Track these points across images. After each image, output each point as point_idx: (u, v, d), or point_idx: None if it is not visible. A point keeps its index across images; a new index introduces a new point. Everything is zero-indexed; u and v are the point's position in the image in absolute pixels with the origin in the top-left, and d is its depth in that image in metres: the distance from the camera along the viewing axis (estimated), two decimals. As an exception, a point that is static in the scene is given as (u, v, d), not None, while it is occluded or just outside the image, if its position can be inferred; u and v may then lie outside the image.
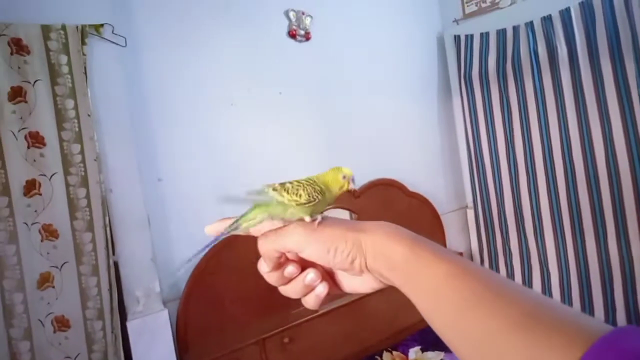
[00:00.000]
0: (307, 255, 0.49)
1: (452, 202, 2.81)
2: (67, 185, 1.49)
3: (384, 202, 2.41)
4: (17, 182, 1.41)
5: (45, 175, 1.46)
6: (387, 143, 2.51)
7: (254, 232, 0.54)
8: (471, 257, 2.82)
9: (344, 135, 2.35)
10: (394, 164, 2.52)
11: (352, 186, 0.56)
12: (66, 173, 1.49)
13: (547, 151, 2.33)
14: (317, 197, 0.53)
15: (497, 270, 2.63)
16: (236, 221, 0.53)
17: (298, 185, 0.53)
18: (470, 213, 2.78)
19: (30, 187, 1.44)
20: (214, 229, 0.54)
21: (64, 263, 1.48)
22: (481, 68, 2.50)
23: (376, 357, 2.13)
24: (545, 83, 2.29)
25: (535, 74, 2.30)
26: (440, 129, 2.78)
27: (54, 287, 1.47)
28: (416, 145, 2.66)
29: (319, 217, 0.52)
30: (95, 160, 1.53)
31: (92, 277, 1.51)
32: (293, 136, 2.17)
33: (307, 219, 0.51)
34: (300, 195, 0.52)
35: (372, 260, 0.47)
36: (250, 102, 2.03)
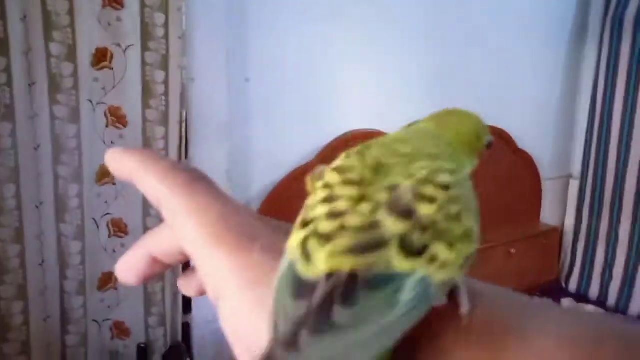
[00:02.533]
0: None
1: (554, 168, 2.41)
2: (144, 63, 1.20)
3: (488, 155, 2.00)
4: (86, 48, 1.13)
5: (119, 45, 1.16)
6: (499, 85, 2.11)
7: None
8: (562, 235, 2.46)
9: (454, 67, 1.96)
10: (503, 112, 2.12)
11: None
12: (144, 47, 1.19)
13: None
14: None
15: (594, 255, 2.28)
16: None
17: (447, 192, 0.18)
18: (575, 184, 2.38)
19: (101, 57, 1.15)
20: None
21: (130, 158, 1.22)
22: (640, 10, 2.00)
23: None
24: None
25: None
26: (562, 79, 2.34)
27: (114, 184, 1.22)
28: (530, 94, 2.24)
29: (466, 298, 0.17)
30: (180, 38, 1.22)
31: (159, 180, 1.26)
32: (396, 61, 1.80)
33: (465, 304, 0.17)
34: (467, 231, 0.18)
35: None
36: (354, 14, 1.65)
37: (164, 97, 1.23)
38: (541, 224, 2.32)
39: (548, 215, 2.41)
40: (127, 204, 1.23)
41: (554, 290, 2.24)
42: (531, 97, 2.24)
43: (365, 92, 1.75)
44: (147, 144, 1.23)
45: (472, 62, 2.00)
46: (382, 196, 0.17)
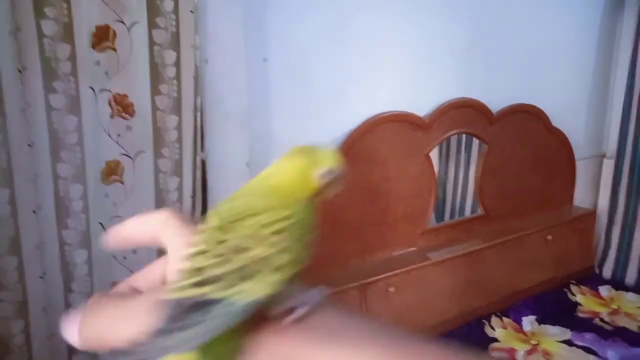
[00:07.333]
0: None
1: (587, 148, 2.26)
2: (152, 42, 1.04)
3: (521, 134, 1.90)
4: (84, 28, 0.96)
5: (122, 22, 1.00)
6: (532, 61, 1.94)
7: None
8: (595, 217, 2.31)
9: (485, 43, 1.80)
10: (536, 88, 1.97)
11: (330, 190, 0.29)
12: (151, 24, 1.03)
13: None
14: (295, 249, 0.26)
15: (631, 239, 2.14)
16: None
17: (247, 233, 0.26)
18: (609, 164, 2.23)
19: (102, 37, 0.99)
20: None
21: (139, 152, 1.07)
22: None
23: (483, 321, 1.75)
24: None
25: None
26: (597, 52, 2.17)
27: (122, 182, 1.07)
28: (564, 70, 2.08)
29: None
30: (192, 12, 1.05)
31: (173, 177, 1.10)
32: (425, 37, 1.64)
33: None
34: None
35: None
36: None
37: (175, 82, 1.07)
38: (575, 207, 2.18)
39: (580, 197, 2.27)
40: (138, 205, 1.08)
41: (591, 278, 2.11)
42: (565, 72, 2.08)
43: (393, 73, 1.59)
44: (157, 135, 1.08)
45: (504, 38, 1.83)
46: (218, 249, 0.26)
